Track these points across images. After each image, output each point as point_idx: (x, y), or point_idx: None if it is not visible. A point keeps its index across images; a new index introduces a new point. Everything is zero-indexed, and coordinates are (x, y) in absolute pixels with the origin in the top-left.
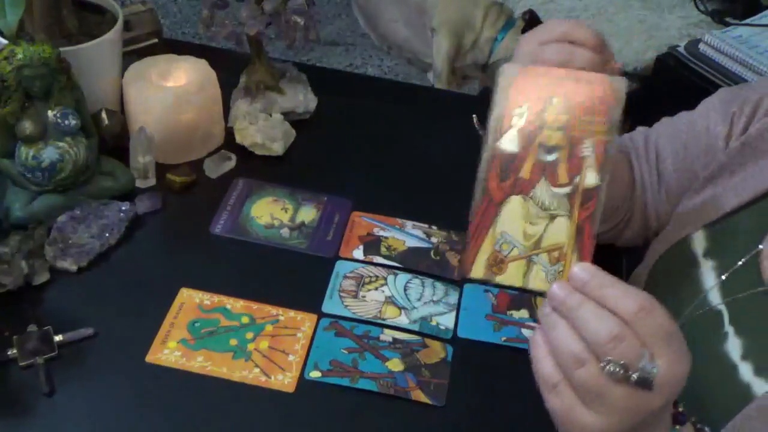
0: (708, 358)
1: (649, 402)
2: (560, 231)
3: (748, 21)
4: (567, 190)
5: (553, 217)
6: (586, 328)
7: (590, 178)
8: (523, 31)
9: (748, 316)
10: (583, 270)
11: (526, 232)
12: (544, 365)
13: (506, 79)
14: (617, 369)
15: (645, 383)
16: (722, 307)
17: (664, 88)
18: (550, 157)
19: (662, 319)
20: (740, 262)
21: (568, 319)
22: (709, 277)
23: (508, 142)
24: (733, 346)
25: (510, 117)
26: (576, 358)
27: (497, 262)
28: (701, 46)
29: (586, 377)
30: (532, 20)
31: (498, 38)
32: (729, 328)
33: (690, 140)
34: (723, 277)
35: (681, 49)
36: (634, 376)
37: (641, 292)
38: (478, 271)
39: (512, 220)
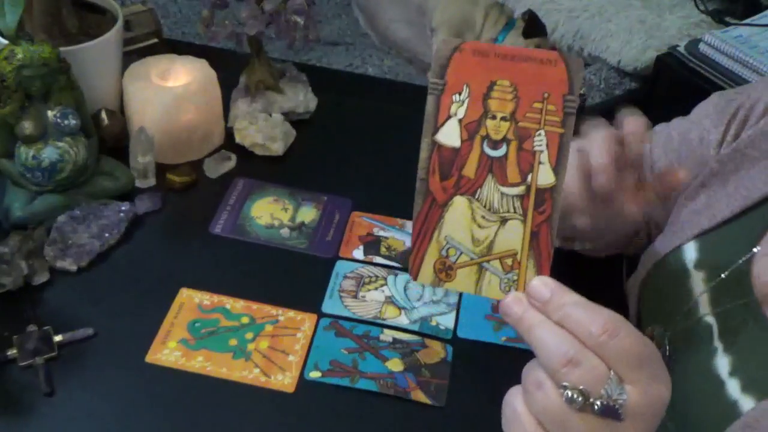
0: (697, 374)
1: None
2: (513, 235)
3: (748, 21)
4: (519, 189)
5: (504, 220)
6: (541, 351)
7: (544, 176)
8: (524, 31)
9: (736, 330)
10: (544, 285)
11: (474, 236)
12: (509, 391)
13: (442, 58)
14: (576, 396)
15: (611, 412)
16: (712, 320)
17: (664, 88)
18: (497, 153)
19: (631, 342)
20: (729, 271)
21: (524, 336)
22: (699, 288)
23: (448, 135)
24: (722, 362)
25: (448, 104)
26: (535, 381)
27: (445, 268)
28: (701, 46)
29: (544, 403)
30: (532, 20)
31: (498, 39)
32: (718, 344)
33: (683, 150)
34: (713, 284)
35: (681, 49)
36: (597, 404)
37: (607, 312)
38: (425, 277)
39: (458, 223)
